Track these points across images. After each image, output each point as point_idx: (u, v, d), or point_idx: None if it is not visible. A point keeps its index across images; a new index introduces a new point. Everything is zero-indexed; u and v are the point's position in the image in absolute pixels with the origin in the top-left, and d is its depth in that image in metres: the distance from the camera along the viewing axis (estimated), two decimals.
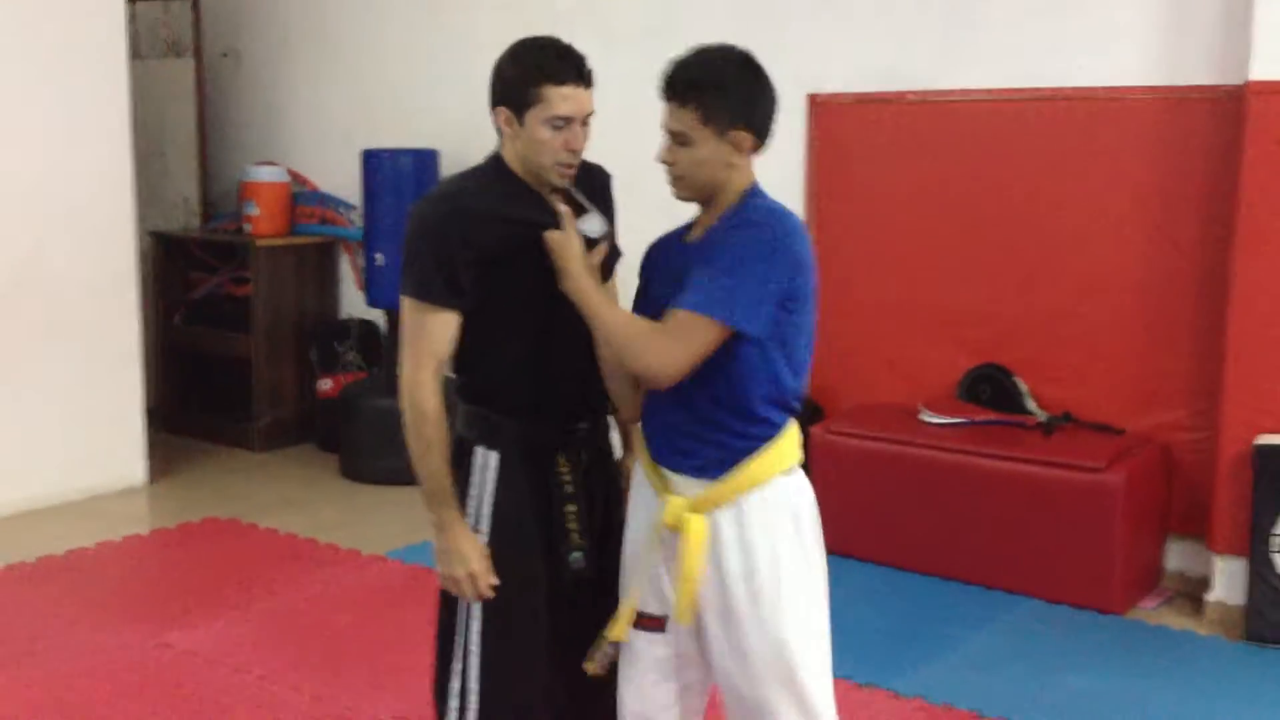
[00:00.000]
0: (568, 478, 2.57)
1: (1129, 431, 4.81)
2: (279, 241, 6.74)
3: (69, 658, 4.14)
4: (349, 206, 6.80)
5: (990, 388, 5.08)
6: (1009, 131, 5.03)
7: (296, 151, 7.08)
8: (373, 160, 6.23)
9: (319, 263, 6.95)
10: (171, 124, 7.25)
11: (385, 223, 6.08)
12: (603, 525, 2.65)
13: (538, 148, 2.50)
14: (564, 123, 2.47)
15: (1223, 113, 4.54)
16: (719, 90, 2.39)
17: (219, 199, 7.34)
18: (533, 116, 2.48)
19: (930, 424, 4.97)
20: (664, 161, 2.46)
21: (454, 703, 2.59)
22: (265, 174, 6.78)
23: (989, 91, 5.04)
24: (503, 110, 2.52)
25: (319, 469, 6.39)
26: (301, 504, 5.82)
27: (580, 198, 2.59)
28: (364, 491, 6.00)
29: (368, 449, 6.09)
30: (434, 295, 2.47)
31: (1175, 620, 4.55)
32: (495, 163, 2.60)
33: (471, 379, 2.62)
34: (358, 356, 6.70)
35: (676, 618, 2.46)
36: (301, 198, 6.93)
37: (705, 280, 2.33)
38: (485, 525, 2.56)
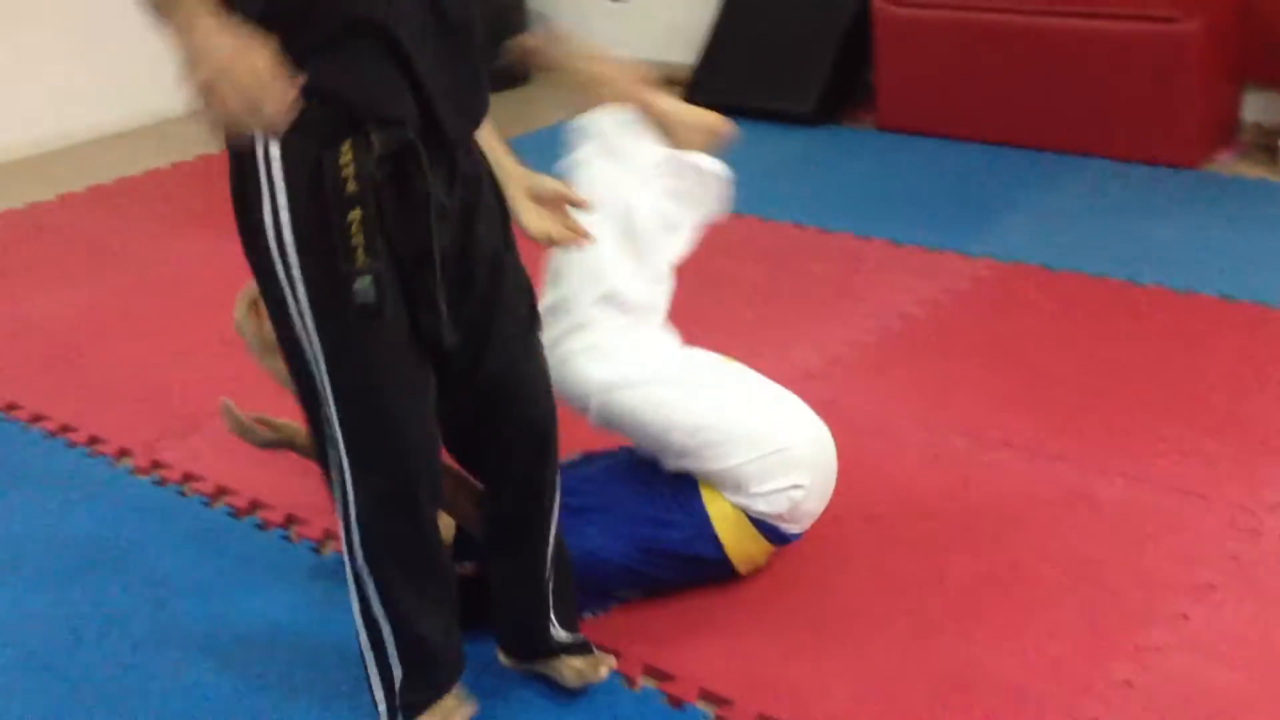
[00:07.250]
0: (349, 170, 1.75)
1: None
2: None
3: (148, 265, 4.28)
4: None
5: None
6: None
7: None
8: None
9: None
10: None
11: None
12: (459, 277, 1.91)
13: None
14: None
15: None
16: None
17: None
18: None
19: None
20: None
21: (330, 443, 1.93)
22: None
23: None
24: None
25: None
26: None
27: None
28: None
29: None
30: None
31: (1251, 170, 4.49)
32: None
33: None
34: None
35: None
36: None
37: None
38: (288, 235, 1.80)
